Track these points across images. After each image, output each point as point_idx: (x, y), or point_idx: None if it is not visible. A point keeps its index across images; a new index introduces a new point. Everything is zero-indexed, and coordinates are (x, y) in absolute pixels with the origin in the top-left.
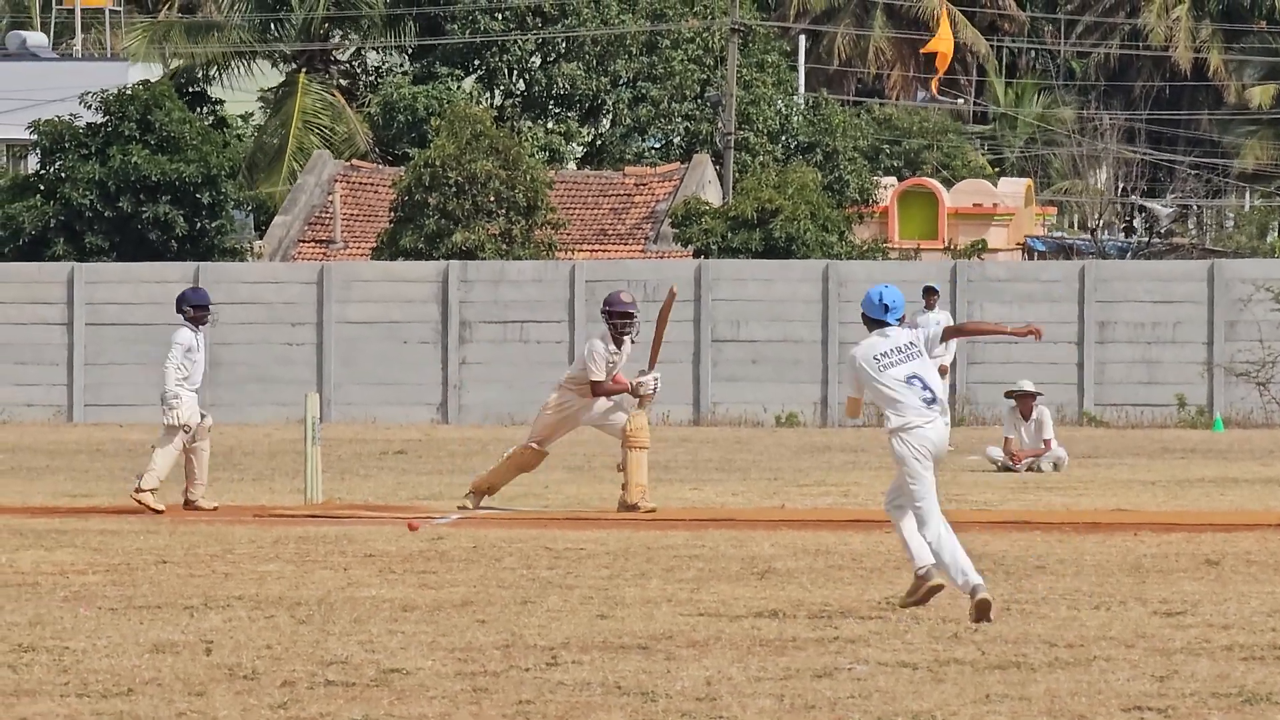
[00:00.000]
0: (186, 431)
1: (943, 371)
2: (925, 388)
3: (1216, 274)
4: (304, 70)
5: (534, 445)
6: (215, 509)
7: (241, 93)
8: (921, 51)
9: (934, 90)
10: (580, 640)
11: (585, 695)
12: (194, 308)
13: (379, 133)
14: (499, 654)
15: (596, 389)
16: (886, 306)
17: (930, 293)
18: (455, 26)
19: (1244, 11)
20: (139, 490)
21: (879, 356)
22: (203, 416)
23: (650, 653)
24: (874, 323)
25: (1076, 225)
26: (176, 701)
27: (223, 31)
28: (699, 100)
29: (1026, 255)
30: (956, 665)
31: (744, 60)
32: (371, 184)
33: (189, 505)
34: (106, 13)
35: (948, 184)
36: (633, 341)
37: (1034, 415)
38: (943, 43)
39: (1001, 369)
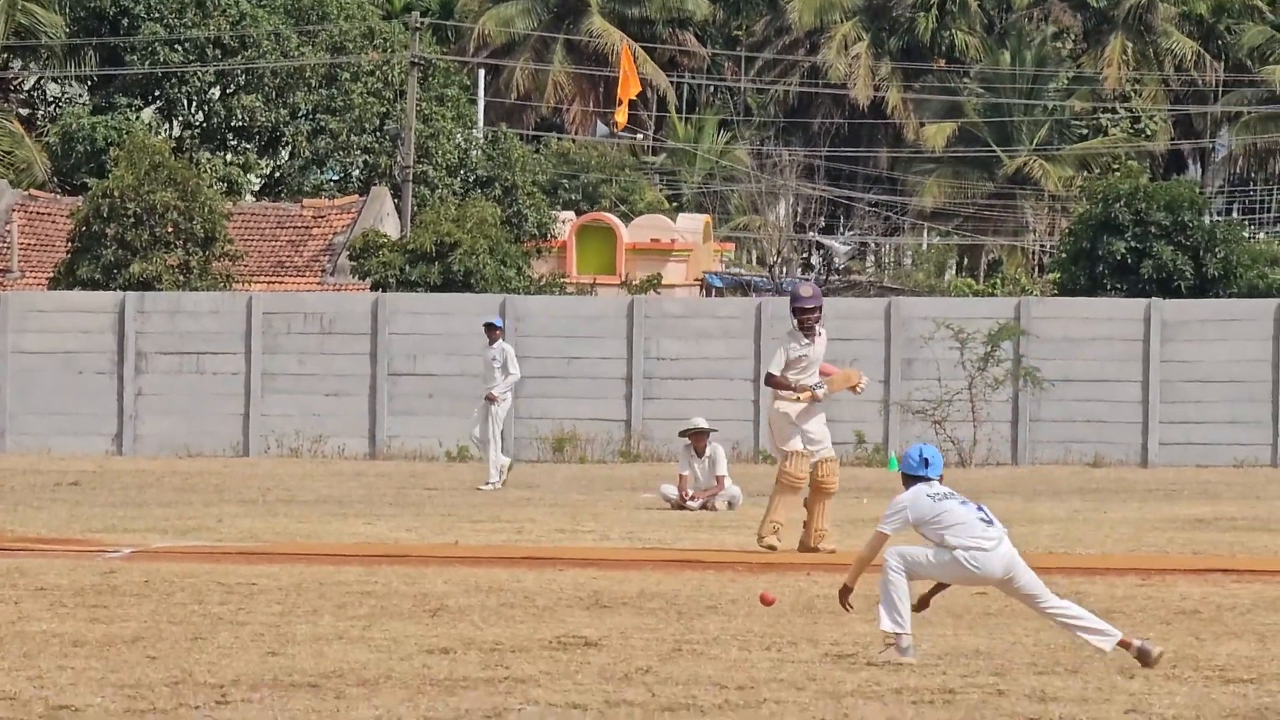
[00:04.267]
0: None
1: (491, 399)
2: (980, 508)
3: (894, 312)
4: None
5: (798, 451)
6: None
7: None
8: (619, 99)
9: (619, 126)
10: (250, 678)
11: None
12: None
13: (58, 162)
14: (169, 691)
15: (768, 380)
16: (927, 461)
17: (491, 329)
18: (135, 57)
19: (923, 50)
20: None
21: (932, 495)
22: None
23: (320, 691)
24: (916, 479)
25: (755, 261)
26: None
27: None
28: (378, 133)
29: (704, 291)
30: (626, 707)
31: (423, 94)
32: (50, 214)
33: None
34: None
35: (626, 219)
36: (820, 333)
37: (708, 452)
38: (631, 84)
39: (678, 405)
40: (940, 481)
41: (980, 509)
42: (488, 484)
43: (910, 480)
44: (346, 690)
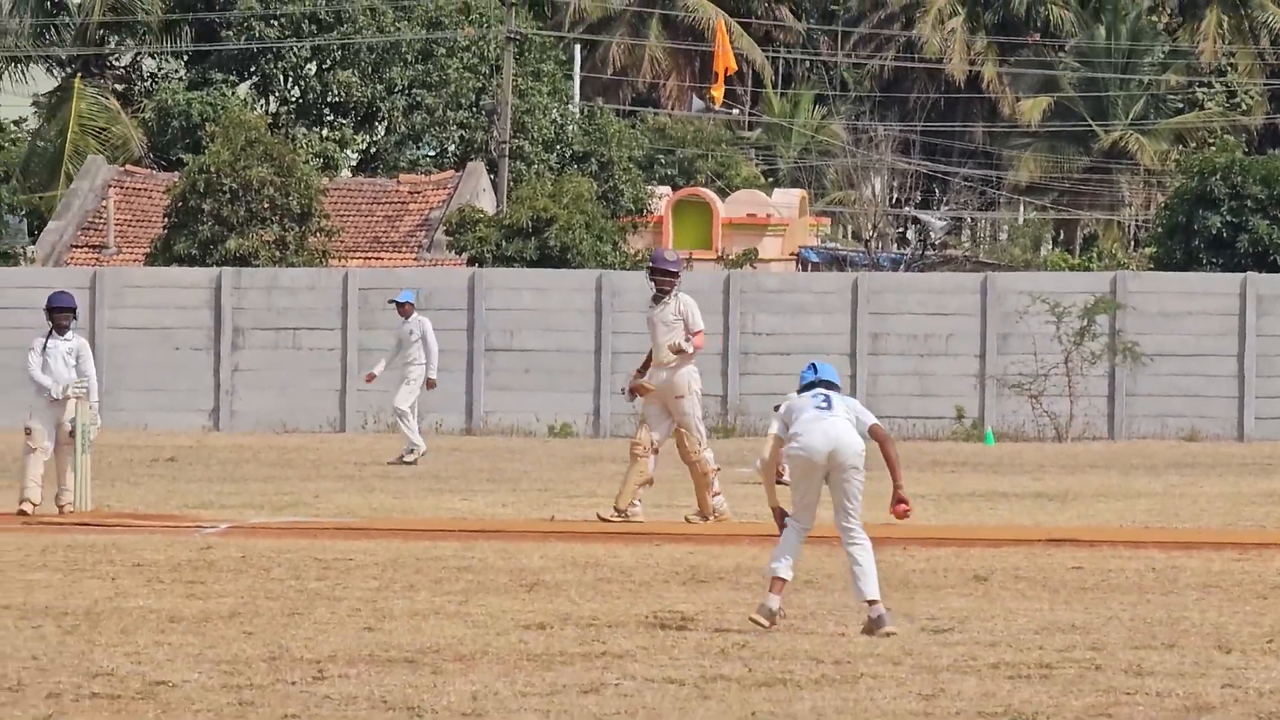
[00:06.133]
0: (27, 434)
1: (430, 383)
2: (826, 399)
3: (990, 286)
4: (80, 75)
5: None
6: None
7: (15, 97)
8: (715, 70)
9: (717, 102)
10: (347, 653)
11: (351, 709)
12: (49, 310)
13: (154, 138)
14: (265, 666)
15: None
16: (815, 368)
17: (402, 306)
18: (231, 33)
19: (1018, 25)
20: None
21: (804, 394)
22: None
23: (417, 666)
24: (805, 386)
25: (850, 236)
26: None
27: None
28: (474, 108)
29: (800, 266)
30: (723, 682)
31: (519, 69)
32: (146, 189)
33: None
34: None
35: (722, 194)
36: (669, 300)
37: None
38: (728, 58)
39: (774, 380)
40: (828, 390)
41: (825, 399)
42: (410, 455)
43: (803, 389)
44: (443, 665)
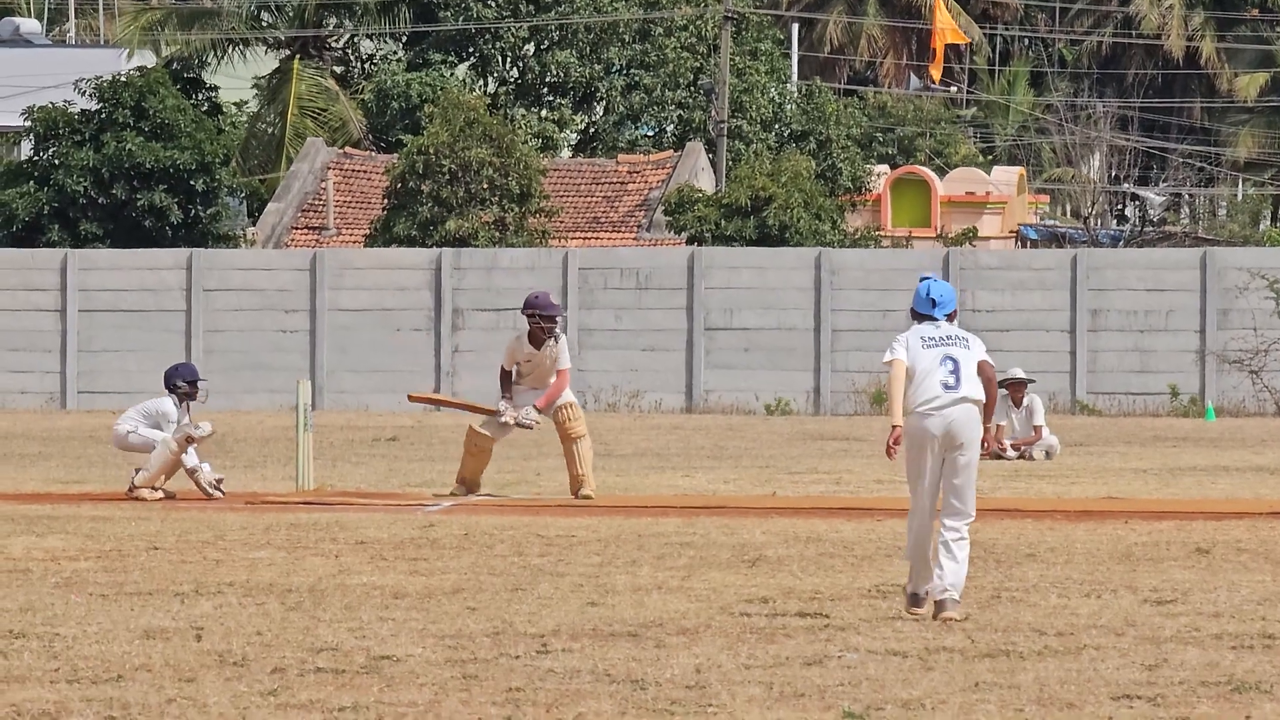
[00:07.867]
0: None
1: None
2: (954, 373)
3: (1209, 262)
4: (298, 57)
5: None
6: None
7: (236, 79)
8: (933, 48)
9: (935, 78)
10: (570, 628)
11: (575, 683)
12: (189, 383)
13: (372, 119)
14: (489, 641)
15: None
16: (934, 301)
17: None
18: (449, 13)
19: (1236, 0)
20: (134, 489)
21: (925, 338)
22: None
23: (640, 640)
24: (922, 317)
25: (1069, 213)
26: (166, 688)
27: (216, 19)
28: (692, 88)
29: (1019, 243)
30: (946, 653)
31: (737, 48)
32: (365, 171)
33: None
34: None
35: (940, 172)
36: (555, 341)
37: (1025, 403)
38: (954, 34)
39: (993, 357)
40: (950, 320)
41: (954, 371)
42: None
43: (918, 317)
44: (667, 639)
